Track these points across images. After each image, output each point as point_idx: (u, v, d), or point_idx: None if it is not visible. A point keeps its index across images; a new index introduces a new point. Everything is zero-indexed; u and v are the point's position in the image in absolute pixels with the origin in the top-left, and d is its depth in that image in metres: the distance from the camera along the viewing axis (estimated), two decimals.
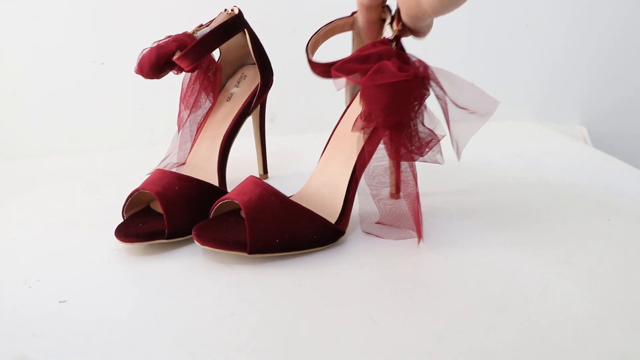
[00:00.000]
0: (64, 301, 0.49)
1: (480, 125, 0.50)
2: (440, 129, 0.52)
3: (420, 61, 0.49)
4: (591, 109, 1.23)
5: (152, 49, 0.65)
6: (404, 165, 0.55)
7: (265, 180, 0.80)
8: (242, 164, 0.85)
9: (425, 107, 0.51)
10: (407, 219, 0.57)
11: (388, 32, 0.52)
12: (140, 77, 0.66)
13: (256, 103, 0.73)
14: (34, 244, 0.63)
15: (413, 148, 0.51)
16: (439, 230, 0.60)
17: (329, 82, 1.02)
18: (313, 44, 0.58)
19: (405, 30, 0.51)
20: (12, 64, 1.09)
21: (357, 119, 0.52)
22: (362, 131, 0.53)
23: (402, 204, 0.58)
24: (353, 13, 0.61)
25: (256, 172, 0.83)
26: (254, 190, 0.56)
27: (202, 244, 0.54)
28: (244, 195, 0.55)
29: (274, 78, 0.76)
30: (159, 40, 0.66)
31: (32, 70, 1.10)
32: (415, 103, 0.50)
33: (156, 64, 0.64)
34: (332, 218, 0.57)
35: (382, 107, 0.48)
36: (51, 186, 0.87)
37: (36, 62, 1.09)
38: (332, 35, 0.61)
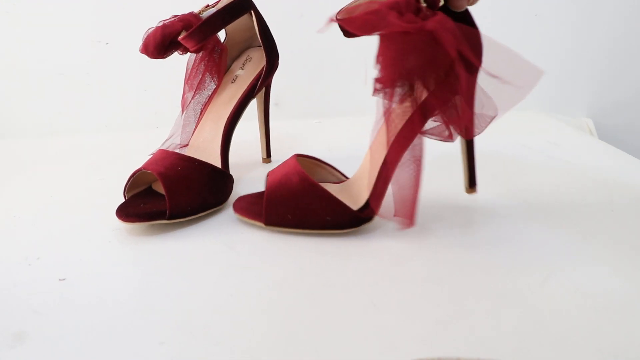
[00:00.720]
0: (64, 279, 0.49)
1: (515, 101, 0.47)
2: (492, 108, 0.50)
3: (439, 15, 0.43)
4: (598, 102, 1.22)
5: (157, 28, 0.64)
6: (409, 148, 0.52)
7: (267, 165, 0.80)
8: (246, 148, 0.84)
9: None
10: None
11: None
12: (144, 58, 0.65)
13: (261, 86, 0.72)
14: (35, 222, 0.63)
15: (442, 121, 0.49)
16: (442, 220, 0.60)
17: (334, 68, 1.02)
18: (349, 12, 0.49)
19: None
20: (16, 43, 1.08)
21: (374, 81, 0.47)
22: (379, 94, 0.48)
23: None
24: None
25: (259, 156, 0.83)
26: (284, 168, 0.58)
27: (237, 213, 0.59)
28: (276, 171, 0.59)
29: (280, 61, 0.75)
30: (165, 20, 0.65)
31: (36, 49, 1.09)
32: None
33: (161, 43, 0.63)
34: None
35: (388, 63, 0.45)
36: (54, 166, 0.87)
37: (40, 41, 1.09)
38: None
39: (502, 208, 0.62)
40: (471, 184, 0.59)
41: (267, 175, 0.59)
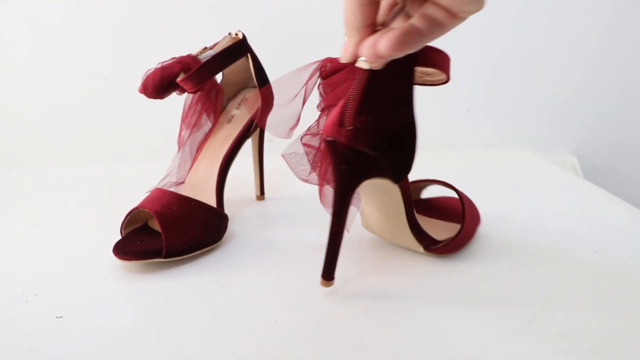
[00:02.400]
0: (61, 317, 0.50)
1: None
2: None
3: None
4: (583, 140, 1.24)
5: (156, 69, 0.66)
6: None
7: (261, 202, 0.82)
8: (239, 184, 0.86)
9: None
10: None
11: None
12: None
13: (256, 126, 0.74)
14: (31, 256, 0.64)
15: None
16: (430, 259, 0.61)
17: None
18: None
19: None
20: (16, 74, 1.10)
21: None
22: None
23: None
24: None
25: (253, 193, 0.84)
26: None
27: None
28: None
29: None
30: (164, 61, 0.67)
31: (35, 80, 1.11)
32: None
33: (160, 84, 0.65)
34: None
35: None
36: (50, 197, 0.88)
37: (39, 72, 1.11)
38: None
39: (486, 248, 0.64)
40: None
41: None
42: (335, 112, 0.47)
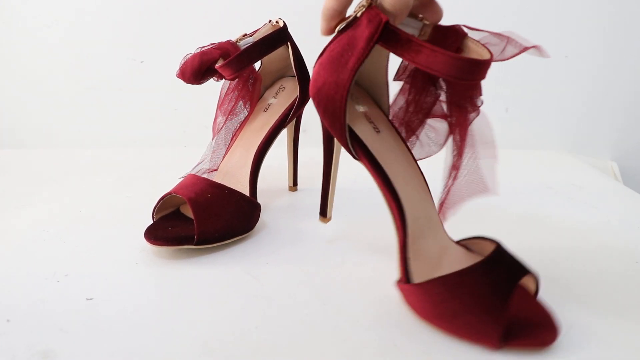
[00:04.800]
0: (91, 299, 0.50)
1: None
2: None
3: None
4: (623, 145, 1.21)
5: (195, 54, 0.65)
6: None
7: (293, 193, 0.81)
8: (271, 174, 0.85)
9: None
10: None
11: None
12: (176, 78, 0.66)
13: (293, 116, 0.73)
14: (63, 237, 0.64)
15: None
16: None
17: None
18: None
19: None
20: (53, 56, 1.11)
21: None
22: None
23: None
24: None
25: (285, 183, 0.84)
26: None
27: None
28: None
29: None
30: (203, 47, 0.67)
31: (71, 62, 1.12)
32: None
33: (198, 70, 0.64)
34: None
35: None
36: (83, 178, 0.88)
37: (76, 54, 1.11)
38: None
39: (521, 251, 0.62)
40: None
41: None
42: None
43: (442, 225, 0.52)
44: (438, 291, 0.44)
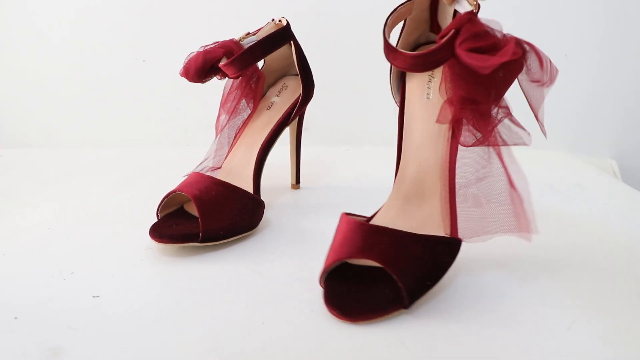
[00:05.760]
0: (98, 296, 0.50)
1: (545, 94, 0.49)
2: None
3: (511, 36, 0.44)
4: (623, 144, 1.21)
5: (199, 53, 0.65)
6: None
7: (296, 191, 0.81)
8: (274, 171, 0.85)
9: None
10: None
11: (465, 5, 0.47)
12: (178, 77, 0.67)
13: (296, 114, 0.74)
14: (69, 235, 0.64)
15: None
16: (457, 263, 0.60)
17: (365, 96, 1.03)
18: (388, 31, 0.51)
19: None
20: (55, 55, 1.12)
21: (443, 108, 0.47)
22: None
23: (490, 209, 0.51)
24: None
25: (288, 181, 0.84)
26: (350, 244, 0.49)
27: None
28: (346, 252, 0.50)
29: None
30: (206, 45, 0.67)
31: (74, 62, 1.12)
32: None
33: (202, 68, 0.65)
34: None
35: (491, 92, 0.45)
36: (86, 177, 0.89)
37: (77, 54, 1.12)
38: (398, 23, 0.56)
39: (522, 249, 0.62)
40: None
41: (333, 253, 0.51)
42: None
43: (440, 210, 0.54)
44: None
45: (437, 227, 0.54)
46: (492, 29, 0.44)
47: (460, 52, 0.42)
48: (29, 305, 0.49)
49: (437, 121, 0.48)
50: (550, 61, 0.47)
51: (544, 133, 0.49)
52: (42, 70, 1.12)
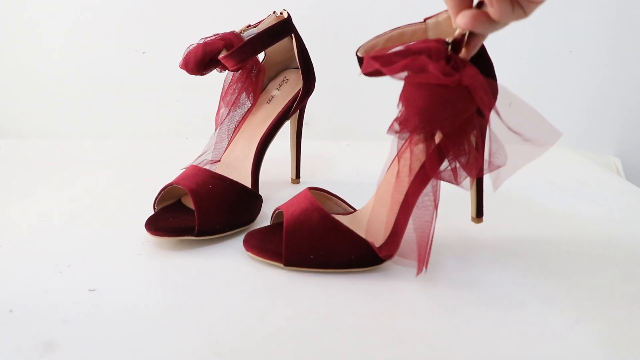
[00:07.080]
0: (94, 289, 0.50)
1: (533, 157, 0.48)
2: (502, 156, 0.49)
3: (471, 69, 0.43)
4: (626, 141, 1.21)
5: (198, 45, 0.65)
6: (427, 188, 0.51)
7: (296, 185, 0.81)
8: (274, 166, 0.85)
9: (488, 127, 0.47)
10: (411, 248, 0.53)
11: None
12: (178, 69, 0.66)
13: (296, 108, 0.73)
14: (65, 228, 0.64)
15: (454, 166, 0.47)
16: (458, 261, 0.59)
17: (366, 91, 1.03)
18: (369, 48, 0.50)
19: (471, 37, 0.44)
20: (56, 47, 1.11)
21: (393, 121, 0.46)
22: (397, 135, 0.47)
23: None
24: (426, 19, 0.52)
25: (288, 175, 0.83)
26: (300, 203, 0.56)
27: (249, 251, 0.57)
28: (291, 207, 0.56)
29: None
30: (206, 38, 0.66)
31: (73, 54, 1.11)
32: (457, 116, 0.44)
33: (202, 60, 0.64)
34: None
35: (416, 111, 0.43)
36: (84, 169, 0.88)
37: (77, 46, 1.11)
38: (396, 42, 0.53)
39: (525, 246, 0.62)
40: (478, 214, 0.60)
41: (278, 211, 0.58)
42: None
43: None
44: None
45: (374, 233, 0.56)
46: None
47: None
48: (25, 298, 0.48)
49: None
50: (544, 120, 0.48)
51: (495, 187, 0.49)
52: (41, 61, 1.12)
